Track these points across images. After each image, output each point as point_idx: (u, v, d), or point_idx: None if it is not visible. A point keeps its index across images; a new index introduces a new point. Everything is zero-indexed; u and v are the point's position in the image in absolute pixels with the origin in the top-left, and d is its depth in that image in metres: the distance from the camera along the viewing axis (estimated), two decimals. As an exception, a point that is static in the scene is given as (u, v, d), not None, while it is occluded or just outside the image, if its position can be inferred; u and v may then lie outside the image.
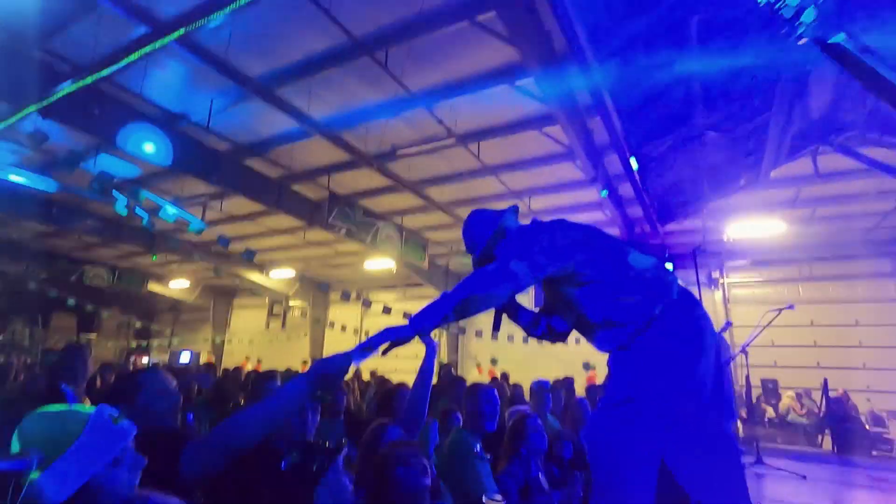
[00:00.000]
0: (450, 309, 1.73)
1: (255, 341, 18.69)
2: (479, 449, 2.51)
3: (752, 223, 9.85)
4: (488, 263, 1.94)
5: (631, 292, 1.77)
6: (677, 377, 1.57)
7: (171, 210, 7.17)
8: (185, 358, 20.52)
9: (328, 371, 1.35)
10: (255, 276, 15.95)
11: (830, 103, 3.91)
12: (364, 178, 8.87)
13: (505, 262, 1.77)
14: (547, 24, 4.72)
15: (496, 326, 2.22)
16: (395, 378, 11.09)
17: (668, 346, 1.62)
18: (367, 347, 1.54)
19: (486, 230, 2.10)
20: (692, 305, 1.78)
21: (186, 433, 1.73)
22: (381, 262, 13.70)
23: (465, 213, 10.20)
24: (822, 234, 10.57)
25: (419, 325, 1.68)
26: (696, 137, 3.56)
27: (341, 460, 1.20)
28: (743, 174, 4.30)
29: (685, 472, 1.50)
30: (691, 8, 2.73)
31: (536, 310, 2.31)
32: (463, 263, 14.96)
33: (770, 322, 4.23)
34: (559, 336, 2.24)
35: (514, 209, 2.23)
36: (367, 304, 10.71)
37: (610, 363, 1.93)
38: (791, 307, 4.64)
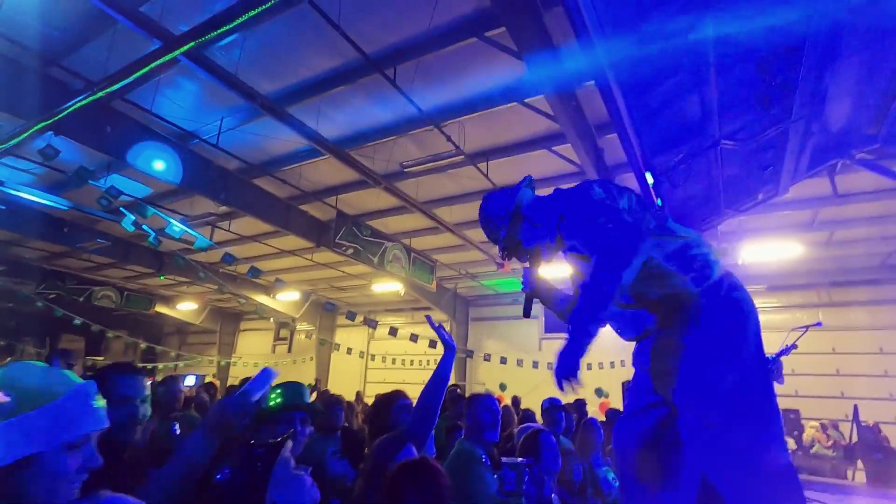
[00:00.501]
0: (593, 333, 1.63)
1: (261, 364, 18.48)
2: (484, 458, 2.29)
3: (767, 246, 9.60)
4: (518, 248, 1.89)
5: (677, 266, 1.52)
6: (716, 377, 1.35)
7: (176, 227, 7.14)
8: (189, 381, 20.33)
9: (226, 416, 1.27)
10: (261, 298, 15.87)
11: (850, 114, 3.78)
12: (372, 198, 8.83)
13: (608, 251, 1.55)
14: (556, 38, 4.71)
15: (528, 311, 2.07)
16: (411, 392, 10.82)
17: (707, 337, 1.40)
18: (258, 384, 1.37)
19: (502, 213, 1.94)
20: (733, 287, 1.53)
21: (161, 445, 1.59)
22: (388, 285, 13.57)
23: (474, 234, 10.19)
24: (840, 257, 10.30)
25: (568, 373, 1.62)
26: (711, 148, 3.44)
27: (287, 453, 1.05)
28: (760, 188, 4.15)
29: (734, 496, 1.25)
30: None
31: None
32: (470, 287, 14.80)
33: (796, 340, 4.00)
34: None
35: (528, 180, 2.06)
36: (371, 324, 10.54)
37: (637, 353, 1.72)
38: (819, 325, 4.40)
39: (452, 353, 2.10)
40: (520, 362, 12.51)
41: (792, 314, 11.43)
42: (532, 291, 2.02)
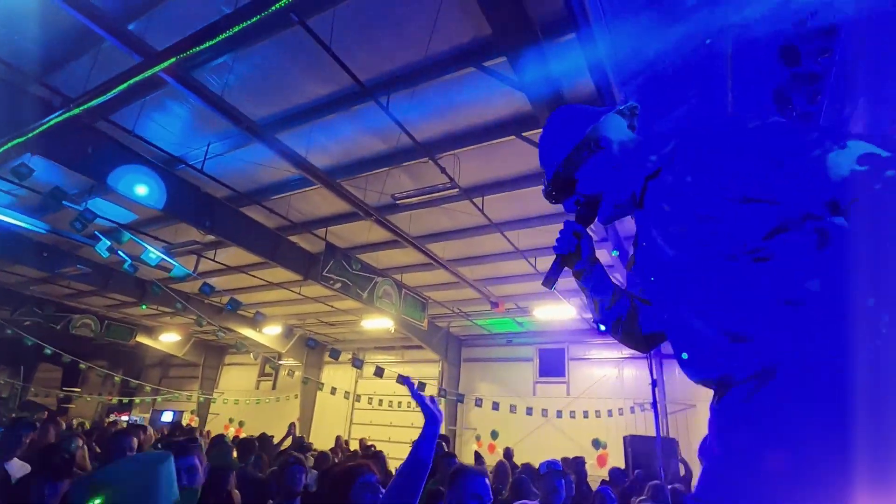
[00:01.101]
0: None
1: (243, 402, 17.68)
2: None
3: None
4: (570, 189, 1.27)
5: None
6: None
7: (153, 254, 6.79)
8: (167, 417, 19.39)
9: None
10: (247, 332, 15.31)
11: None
12: (363, 231, 8.55)
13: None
14: (557, 69, 4.55)
15: (552, 277, 1.37)
16: (391, 451, 10.21)
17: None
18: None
19: (572, 131, 1.29)
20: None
21: None
22: (379, 322, 13.11)
23: (468, 271, 9.85)
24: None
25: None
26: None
27: None
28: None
29: None
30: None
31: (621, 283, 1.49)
32: (463, 326, 14.35)
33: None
34: (640, 338, 1.38)
35: (631, 107, 1.37)
36: (357, 364, 10.04)
37: (715, 420, 1.03)
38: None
39: (436, 426, 1.54)
40: (513, 408, 11.93)
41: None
42: (569, 255, 1.33)
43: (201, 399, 17.88)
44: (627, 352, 12.74)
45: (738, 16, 2.08)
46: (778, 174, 0.96)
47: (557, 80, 4.37)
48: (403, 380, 1.79)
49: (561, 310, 10.88)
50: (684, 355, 1.12)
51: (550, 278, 1.37)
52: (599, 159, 1.28)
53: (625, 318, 1.38)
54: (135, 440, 3.05)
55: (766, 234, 0.96)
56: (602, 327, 1.45)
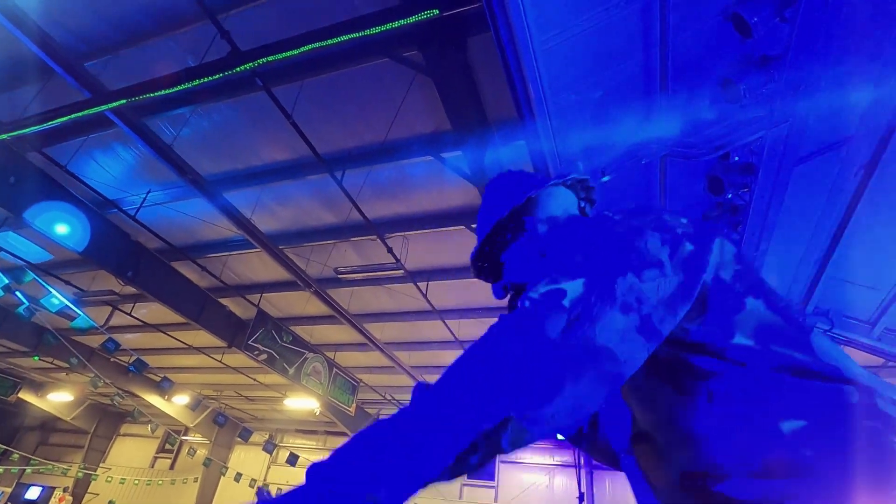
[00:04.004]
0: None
1: (132, 481, 15.39)
2: None
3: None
4: (494, 269, 0.98)
5: (789, 406, 0.70)
6: None
7: (55, 300, 6.11)
8: (32, 493, 16.46)
9: None
10: (153, 399, 13.73)
11: (784, 292, 3.82)
12: (300, 302, 8.18)
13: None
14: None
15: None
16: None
17: None
18: None
19: (501, 201, 1.06)
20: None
21: None
22: (304, 402, 12.17)
23: (405, 357, 9.53)
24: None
25: None
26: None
27: None
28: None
29: None
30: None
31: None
32: (395, 415, 13.56)
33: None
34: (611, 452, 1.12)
35: (579, 179, 1.10)
36: (269, 448, 9.09)
37: None
38: None
39: None
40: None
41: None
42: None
43: (80, 474, 15.39)
44: (559, 458, 12.33)
45: (670, 142, 2.24)
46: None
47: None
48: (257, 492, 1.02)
49: (496, 407, 10.55)
50: None
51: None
52: (522, 243, 1.03)
53: (586, 428, 1.15)
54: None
55: None
56: (560, 437, 1.14)
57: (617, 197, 2.61)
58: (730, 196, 2.65)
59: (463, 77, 3.63)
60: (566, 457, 12.23)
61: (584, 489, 7.12)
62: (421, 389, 0.65)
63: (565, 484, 12.03)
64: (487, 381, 0.62)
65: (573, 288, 0.68)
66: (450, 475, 0.62)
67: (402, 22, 2.89)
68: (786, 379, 0.72)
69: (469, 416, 0.60)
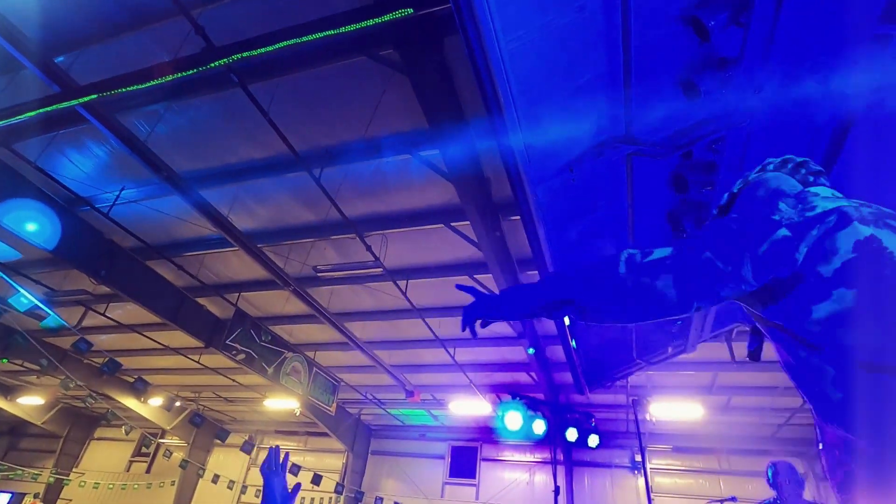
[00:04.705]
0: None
1: (106, 486, 15.03)
2: None
3: (673, 405, 9.73)
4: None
5: None
6: None
7: (24, 298, 5.96)
8: (2, 500, 15.95)
9: None
10: (129, 402, 13.44)
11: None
12: (279, 301, 8.13)
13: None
14: (486, 171, 4.84)
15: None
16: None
17: None
18: None
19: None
20: None
21: None
22: (284, 402, 12.07)
23: (386, 356, 9.52)
24: (737, 424, 10.57)
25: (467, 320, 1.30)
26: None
27: None
28: (670, 342, 4.10)
29: None
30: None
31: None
32: (376, 414, 13.54)
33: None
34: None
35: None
36: (247, 449, 8.99)
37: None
38: (734, 499, 4.11)
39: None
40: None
41: (695, 479, 11.25)
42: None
43: (52, 479, 14.99)
44: (539, 455, 12.46)
45: (634, 140, 2.32)
46: None
47: (482, 178, 4.63)
48: (270, 451, 1.62)
49: (477, 405, 10.62)
50: None
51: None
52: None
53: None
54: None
55: None
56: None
57: (586, 192, 2.69)
58: (694, 194, 2.75)
59: (439, 76, 3.67)
60: (546, 454, 12.36)
61: (560, 483, 7.19)
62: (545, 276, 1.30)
63: (545, 481, 12.15)
64: (574, 279, 1.14)
65: (657, 252, 1.08)
66: (539, 314, 1.19)
67: (376, 20, 2.92)
68: None
69: (553, 292, 1.15)
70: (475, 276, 6.72)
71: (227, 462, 15.11)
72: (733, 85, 2.13)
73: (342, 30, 3.01)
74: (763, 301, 1.05)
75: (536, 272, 5.05)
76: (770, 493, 3.57)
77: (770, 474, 3.48)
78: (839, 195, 1.12)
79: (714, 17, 1.91)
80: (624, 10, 1.84)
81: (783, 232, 1.00)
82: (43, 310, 6.14)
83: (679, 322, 3.75)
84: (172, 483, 14.75)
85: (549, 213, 2.59)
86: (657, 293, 1.03)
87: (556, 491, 4.72)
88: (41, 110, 3.72)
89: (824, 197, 1.08)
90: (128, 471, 16.58)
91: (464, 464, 13.09)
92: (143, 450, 16.61)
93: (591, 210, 2.86)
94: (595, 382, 5.09)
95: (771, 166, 1.35)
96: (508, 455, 12.79)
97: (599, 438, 6.73)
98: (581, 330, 3.83)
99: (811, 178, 1.29)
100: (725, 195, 1.36)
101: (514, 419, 6.00)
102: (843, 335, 0.90)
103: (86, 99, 3.53)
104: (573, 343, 3.79)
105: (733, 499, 4.11)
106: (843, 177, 2.77)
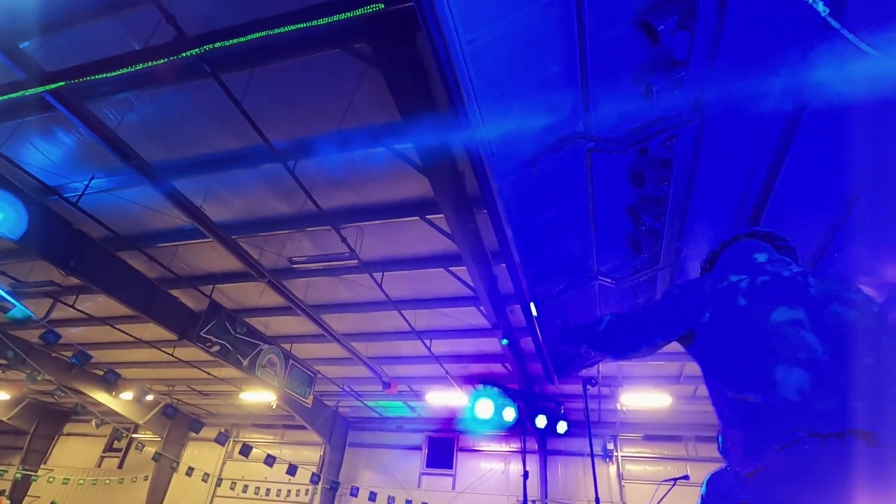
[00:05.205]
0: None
1: (76, 482, 14.76)
2: None
3: (642, 395, 10.04)
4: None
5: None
6: None
7: (-12, 289, 5.84)
8: (-35, 499, 15.50)
9: None
10: (100, 397, 13.19)
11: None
12: (255, 293, 8.11)
13: None
14: (460, 165, 4.92)
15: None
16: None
17: None
18: None
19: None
20: None
21: None
22: (260, 395, 12.02)
23: (362, 348, 9.57)
24: (704, 413, 10.97)
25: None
26: (589, 283, 3.51)
27: None
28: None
29: None
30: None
31: None
32: (353, 407, 13.60)
33: (665, 495, 3.84)
34: None
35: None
36: (221, 440, 8.96)
37: None
38: (686, 478, 4.33)
39: None
40: (391, 500, 11.17)
41: (664, 466, 11.64)
42: None
43: (19, 476, 14.63)
44: (515, 445, 12.70)
45: (592, 137, 2.44)
46: None
47: (455, 171, 4.72)
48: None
49: (454, 396, 10.77)
50: None
51: None
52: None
53: None
54: None
55: None
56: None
57: (549, 187, 2.80)
58: (652, 188, 2.89)
59: (411, 70, 3.73)
60: (520, 444, 12.62)
61: (532, 469, 7.47)
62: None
63: (520, 470, 12.41)
64: (579, 331, 1.99)
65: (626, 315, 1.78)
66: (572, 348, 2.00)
67: (348, 14, 2.97)
68: None
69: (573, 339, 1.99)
70: (450, 268, 6.82)
71: (203, 456, 14.97)
72: (684, 85, 2.26)
73: (314, 23, 3.05)
74: (684, 344, 1.59)
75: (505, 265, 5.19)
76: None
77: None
78: (784, 265, 1.56)
79: (663, 21, 2.03)
80: (579, 12, 1.94)
81: (699, 300, 1.52)
82: (9, 301, 6.01)
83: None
84: (146, 478, 14.56)
85: (514, 205, 2.70)
86: (624, 340, 1.71)
87: (525, 475, 4.88)
88: (6, 97, 3.66)
89: (754, 266, 1.57)
90: (99, 466, 16.28)
91: (441, 454, 13.26)
92: (115, 445, 16.31)
93: (554, 203, 2.97)
94: (564, 372, 5.26)
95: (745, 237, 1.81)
96: (485, 445, 13.01)
97: (568, 425, 6.93)
98: (548, 322, 3.97)
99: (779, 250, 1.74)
100: (708, 252, 1.87)
101: (485, 407, 6.15)
102: (712, 376, 1.42)
103: (53, 86, 3.49)
104: (540, 335, 3.93)
105: (685, 477, 4.33)
106: (794, 169, 2.95)
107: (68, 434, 17.27)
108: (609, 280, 3.54)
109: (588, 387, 4.49)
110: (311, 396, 10.26)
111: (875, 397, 1.03)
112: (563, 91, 2.25)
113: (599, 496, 4.26)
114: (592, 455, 4.53)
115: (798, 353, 1.17)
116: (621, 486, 11.55)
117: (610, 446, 11.99)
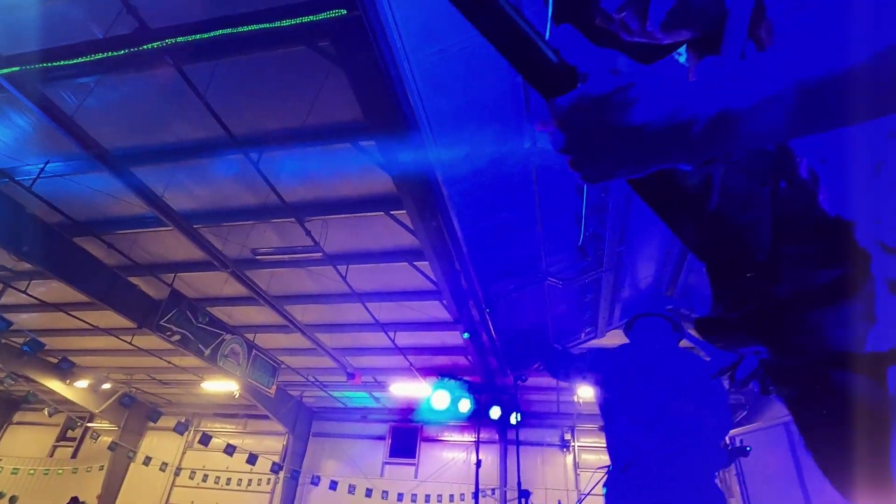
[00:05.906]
0: None
1: (27, 472, 14.31)
2: None
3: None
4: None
5: None
6: None
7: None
8: None
9: None
10: (54, 385, 12.79)
11: (655, 276, 4.42)
12: (218, 283, 8.05)
13: None
14: (412, 163, 5.05)
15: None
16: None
17: None
18: None
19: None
20: None
21: None
22: (222, 384, 11.91)
23: (327, 339, 9.64)
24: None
25: None
26: (538, 283, 3.72)
27: None
28: (582, 329, 4.53)
29: None
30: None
31: None
32: (318, 397, 13.64)
33: (601, 479, 4.10)
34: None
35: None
36: (180, 429, 8.91)
37: None
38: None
39: None
40: (352, 489, 11.33)
41: (618, 456, 12.16)
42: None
43: (-36, 466, 14.10)
44: (481, 436, 13.01)
45: (536, 152, 2.62)
46: None
47: (411, 171, 4.84)
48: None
49: (417, 387, 10.95)
50: None
51: None
52: None
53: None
54: None
55: None
56: None
57: (497, 194, 2.97)
58: (594, 197, 3.10)
59: (374, 71, 3.83)
60: (484, 434, 12.94)
61: (487, 459, 7.75)
62: None
63: (484, 459, 12.74)
64: (544, 356, 3.36)
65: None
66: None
67: (311, 17, 3.05)
68: None
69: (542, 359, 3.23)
70: (414, 262, 6.96)
71: (161, 445, 14.73)
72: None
73: (278, 24, 3.11)
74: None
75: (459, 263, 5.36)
76: None
77: None
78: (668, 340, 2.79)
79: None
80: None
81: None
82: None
83: (588, 313, 4.17)
84: (101, 468, 14.24)
85: (463, 209, 2.86)
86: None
87: (478, 464, 5.11)
88: (-44, 79, 3.57)
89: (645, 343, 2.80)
90: (51, 456, 15.80)
91: (404, 444, 13.47)
92: (69, 434, 15.85)
93: (503, 208, 3.15)
94: (519, 365, 5.50)
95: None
96: (448, 436, 13.27)
97: (521, 416, 7.22)
98: (501, 318, 4.17)
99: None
100: (624, 323, 2.97)
101: (441, 398, 6.35)
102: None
103: (6, 71, 3.43)
104: (493, 333, 4.13)
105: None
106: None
107: (18, 423, 16.67)
108: (558, 281, 3.76)
109: (519, 382, 4.79)
110: (275, 387, 10.27)
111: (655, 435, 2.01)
112: (509, 108, 2.40)
113: (556, 484, 4.51)
114: (518, 444, 4.77)
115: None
116: (577, 475, 12.03)
117: (567, 436, 12.44)
